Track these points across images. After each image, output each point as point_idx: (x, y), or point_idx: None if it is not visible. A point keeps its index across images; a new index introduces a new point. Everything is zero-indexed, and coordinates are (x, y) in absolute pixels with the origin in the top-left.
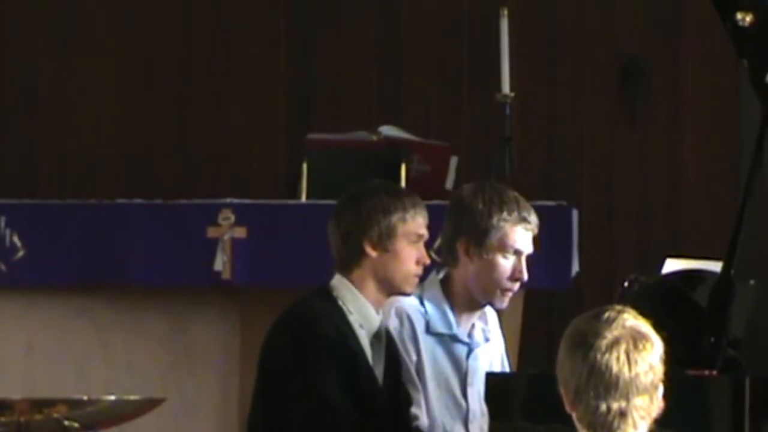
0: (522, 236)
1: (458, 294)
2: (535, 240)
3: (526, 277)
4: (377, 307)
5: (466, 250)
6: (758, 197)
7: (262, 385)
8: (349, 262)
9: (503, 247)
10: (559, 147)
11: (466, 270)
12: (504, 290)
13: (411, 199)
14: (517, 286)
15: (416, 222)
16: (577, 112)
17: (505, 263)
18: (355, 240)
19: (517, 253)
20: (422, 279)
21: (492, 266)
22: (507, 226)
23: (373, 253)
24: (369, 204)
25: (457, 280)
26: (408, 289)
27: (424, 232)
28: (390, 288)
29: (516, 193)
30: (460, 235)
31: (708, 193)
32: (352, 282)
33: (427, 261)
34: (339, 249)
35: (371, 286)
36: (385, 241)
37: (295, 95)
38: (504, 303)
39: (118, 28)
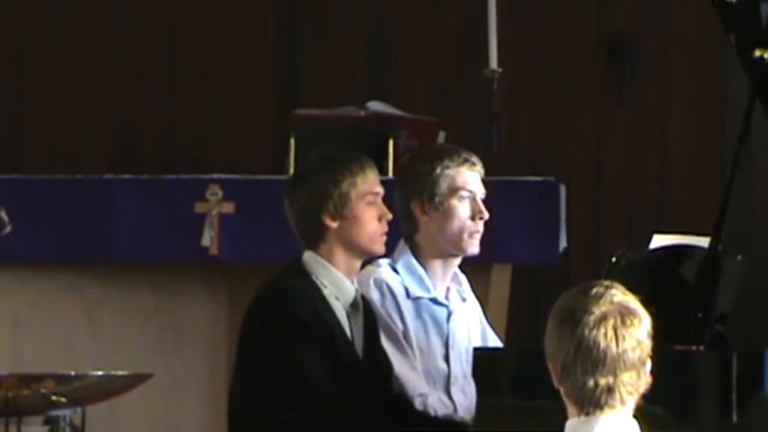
0: (470, 176)
1: (429, 255)
2: (485, 183)
3: (486, 214)
4: (350, 275)
5: (422, 209)
6: (746, 172)
7: (241, 363)
8: (313, 237)
9: (455, 191)
10: (546, 122)
11: (428, 229)
12: (471, 233)
13: (357, 162)
14: (481, 225)
15: (367, 182)
16: (565, 88)
17: (462, 207)
18: (312, 216)
19: (470, 193)
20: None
21: (450, 213)
22: (452, 171)
23: (333, 224)
24: (317, 178)
25: (424, 244)
26: (378, 249)
27: (379, 189)
28: (359, 252)
29: (452, 144)
30: (412, 198)
31: (695, 169)
32: (321, 256)
33: (389, 216)
34: (299, 228)
35: (340, 255)
36: (342, 209)
37: (283, 70)
38: (475, 247)
39: (106, 5)
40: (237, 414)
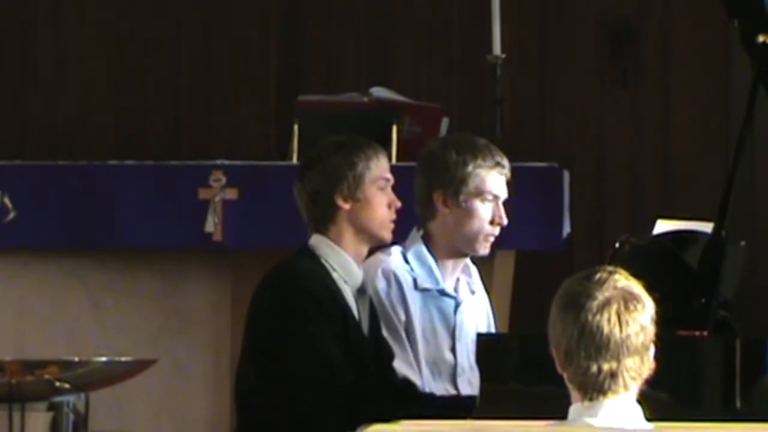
0: (497, 181)
1: (440, 247)
2: (509, 185)
3: (505, 221)
4: (358, 260)
5: (444, 201)
6: (749, 157)
7: (252, 346)
8: (324, 219)
9: (481, 193)
10: (550, 108)
11: (445, 221)
12: (486, 236)
13: (371, 147)
14: (497, 230)
15: (380, 167)
16: (568, 73)
17: (485, 209)
18: (325, 197)
19: (495, 197)
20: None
21: (472, 213)
22: (483, 172)
23: (345, 206)
24: (333, 160)
25: (438, 233)
26: (385, 235)
27: (389, 176)
28: (368, 237)
29: (485, 140)
30: (436, 188)
31: (699, 154)
32: (330, 239)
33: (398, 204)
34: (310, 210)
35: (349, 239)
36: (355, 191)
37: (286, 56)
38: (487, 249)
39: None
40: (247, 392)
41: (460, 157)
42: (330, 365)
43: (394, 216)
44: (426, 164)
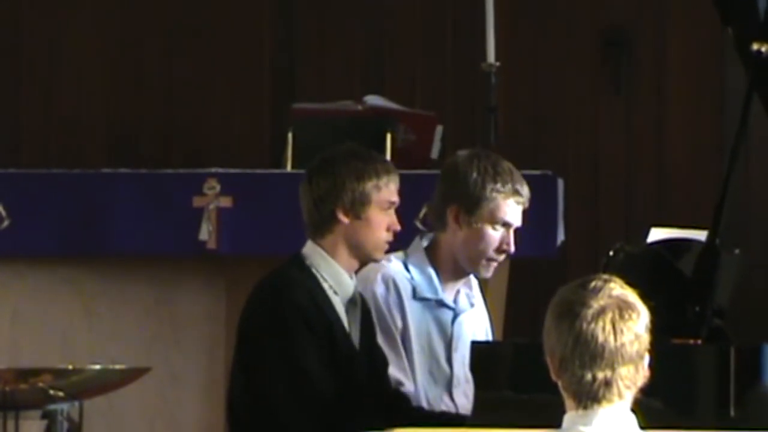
0: (513, 209)
1: (444, 260)
2: (525, 213)
3: (513, 249)
4: (349, 272)
5: (456, 217)
6: (743, 165)
7: (241, 356)
8: (321, 227)
9: (493, 219)
10: (544, 116)
11: (454, 236)
12: (489, 260)
13: (384, 166)
14: (502, 257)
15: (389, 189)
16: (563, 81)
17: (494, 234)
18: (327, 206)
19: (506, 225)
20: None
21: (480, 236)
22: (500, 198)
23: (345, 220)
24: (342, 170)
25: (444, 246)
26: (378, 256)
27: (396, 198)
28: (361, 255)
29: (510, 165)
30: (451, 202)
31: (693, 162)
32: (324, 248)
33: (398, 227)
34: (311, 215)
35: (343, 251)
36: (358, 208)
37: (280, 64)
38: (488, 273)
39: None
40: (236, 404)
41: (480, 178)
42: (310, 381)
43: (390, 239)
44: (447, 175)
